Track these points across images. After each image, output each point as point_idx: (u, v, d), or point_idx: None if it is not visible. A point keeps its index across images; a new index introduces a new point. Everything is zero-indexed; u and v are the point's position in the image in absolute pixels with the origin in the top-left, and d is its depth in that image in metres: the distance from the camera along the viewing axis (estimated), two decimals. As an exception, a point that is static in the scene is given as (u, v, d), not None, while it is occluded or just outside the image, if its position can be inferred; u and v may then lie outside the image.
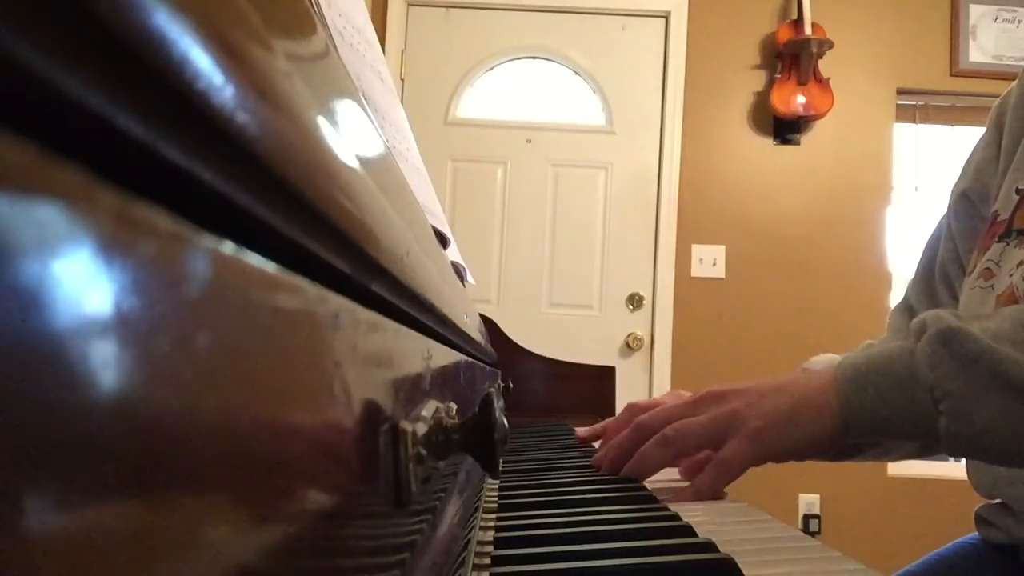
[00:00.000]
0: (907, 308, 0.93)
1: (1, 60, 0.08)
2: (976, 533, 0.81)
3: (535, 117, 3.00)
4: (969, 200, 0.84)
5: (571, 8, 2.98)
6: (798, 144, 2.99)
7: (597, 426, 0.91)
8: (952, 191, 0.88)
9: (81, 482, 0.09)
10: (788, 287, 2.93)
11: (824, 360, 0.90)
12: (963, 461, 0.80)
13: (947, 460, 2.98)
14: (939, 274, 0.88)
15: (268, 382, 0.15)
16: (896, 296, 2.88)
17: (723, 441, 0.65)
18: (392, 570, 0.26)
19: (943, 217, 0.90)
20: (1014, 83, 0.82)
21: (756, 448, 0.64)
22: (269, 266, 0.15)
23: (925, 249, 0.92)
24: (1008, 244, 0.72)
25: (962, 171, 0.87)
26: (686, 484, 0.69)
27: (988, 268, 0.73)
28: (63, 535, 0.08)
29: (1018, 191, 0.74)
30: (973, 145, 0.87)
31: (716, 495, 0.66)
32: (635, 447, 0.68)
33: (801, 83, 2.91)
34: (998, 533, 0.75)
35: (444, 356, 0.43)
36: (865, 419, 0.62)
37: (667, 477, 0.72)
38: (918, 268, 0.92)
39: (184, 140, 0.12)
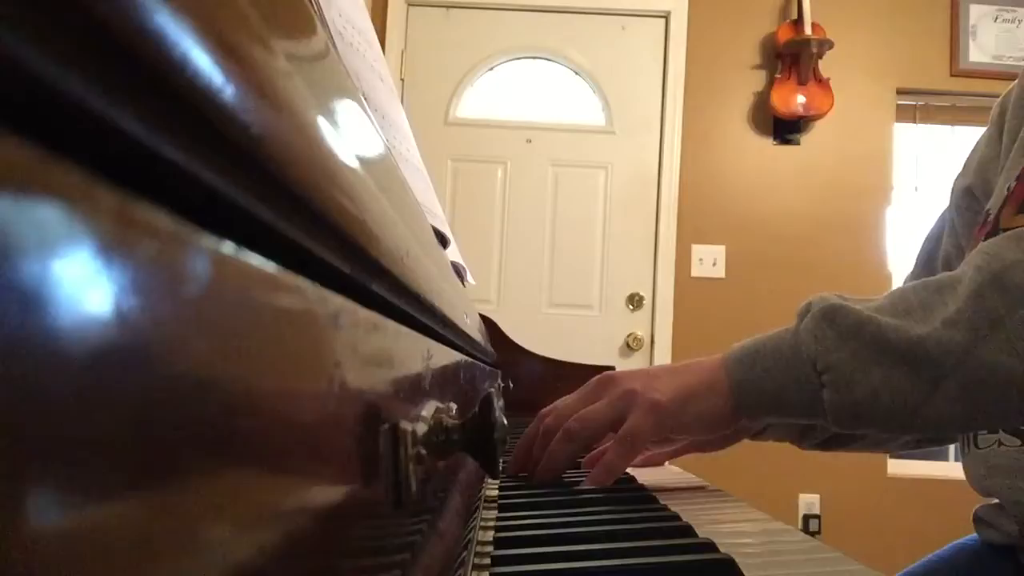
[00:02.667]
0: None
1: (1, 60, 0.08)
2: (975, 534, 0.80)
3: (535, 117, 2.99)
4: (973, 196, 0.83)
5: (571, 8, 2.98)
6: (798, 144, 2.99)
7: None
8: (953, 187, 0.87)
9: (81, 482, 0.09)
10: (788, 287, 2.92)
11: None
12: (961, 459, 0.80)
13: (946, 460, 2.98)
14: (942, 270, 0.87)
15: (268, 382, 0.15)
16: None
17: (624, 420, 0.66)
18: (392, 570, 0.26)
19: (943, 213, 0.89)
20: (1015, 81, 0.82)
21: (655, 420, 0.65)
22: (269, 266, 0.15)
23: (924, 245, 0.91)
24: None
25: (964, 167, 0.87)
26: (688, 481, 0.69)
27: None
28: (64, 534, 0.08)
29: (1008, 190, 0.74)
30: (975, 142, 0.87)
31: (621, 472, 0.67)
32: (544, 448, 0.68)
33: (801, 83, 2.91)
34: (997, 534, 0.75)
35: (444, 356, 0.43)
36: (754, 397, 0.64)
37: (673, 478, 0.72)
38: (916, 264, 0.92)
39: (184, 140, 0.12)
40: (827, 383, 0.60)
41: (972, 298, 0.57)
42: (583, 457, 0.73)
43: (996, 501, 0.75)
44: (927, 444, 0.87)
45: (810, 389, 0.61)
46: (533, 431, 0.71)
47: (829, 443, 0.80)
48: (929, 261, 0.89)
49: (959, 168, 0.88)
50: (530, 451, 0.69)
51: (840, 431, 0.64)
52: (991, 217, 0.74)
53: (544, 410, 0.71)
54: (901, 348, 0.58)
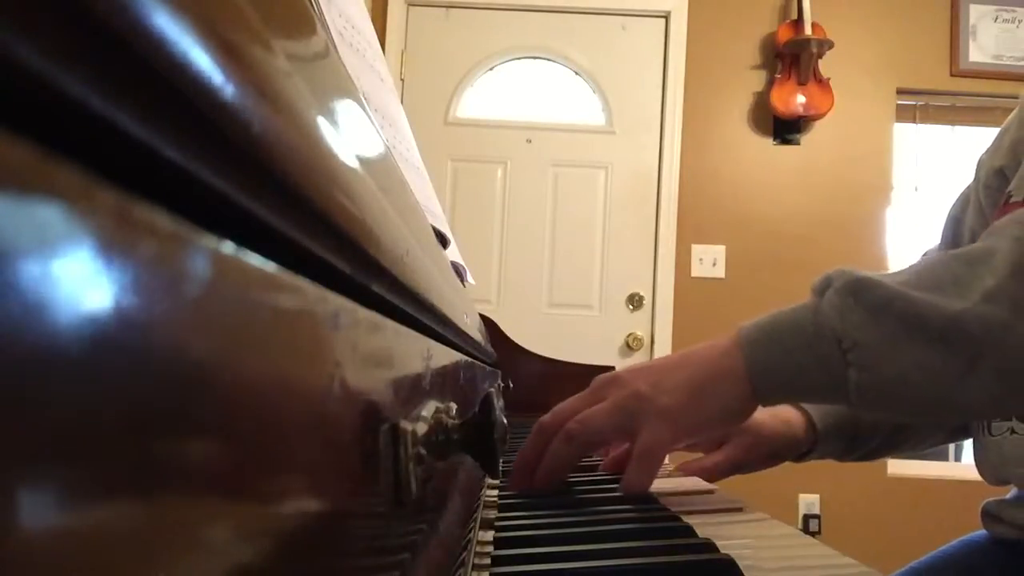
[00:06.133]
0: None
1: (1, 60, 0.08)
2: (982, 531, 0.80)
3: (535, 117, 2.99)
4: (1005, 178, 0.79)
5: (571, 8, 2.98)
6: (798, 144, 2.99)
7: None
8: (980, 164, 0.84)
9: (81, 482, 0.09)
10: (788, 287, 2.91)
11: None
12: (969, 456, 0.79)
13: (947, 460, 2.98)
14: None
15: (268, 382, 0.15)
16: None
17: (632, 427, 0.61)
18: (392, 570, 0.26)
19: (965, 192, 0.86)
20: None
21: (671, 427, 0.60)
22: (269, 266, 0.15)
23: (947, 227, 0.88)
24: None
25: (994, 146, 0.83)
26: (691, 483, 0.68)
27: None
28: (63, 535, 0.08)
29: None
30: (1002, 128, 0.84)
31: (646, 487, 0.62)
32: (540, 448, 0.63)
33: (801, 83, 2.91)
34: (1006, 529, 0.74)
35: (444, 356, 0.43)
36: (774, 379, 0.59)
37: (673, 482, 0.72)
38: (942, 243, 0.88)
39: (184, 140, 0.12)
40: (853, 362, 0.56)
41: (1014, 271, 0.54)
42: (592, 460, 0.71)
43: (1006, 496, 0.74)
44: (955, 439, 0.85)
45: (835, 369, 0.56)
46: (531, 443, 0.65)
47: (872, 454, 0.78)
48: (955, 242, 0.86)
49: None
50: (530, 461, 0.64)
51: (862, 413, 0.59)
52: (1014, 200, 0.72)
53: (544, 417, 0.66)
54: (936, 325, 0.54)
